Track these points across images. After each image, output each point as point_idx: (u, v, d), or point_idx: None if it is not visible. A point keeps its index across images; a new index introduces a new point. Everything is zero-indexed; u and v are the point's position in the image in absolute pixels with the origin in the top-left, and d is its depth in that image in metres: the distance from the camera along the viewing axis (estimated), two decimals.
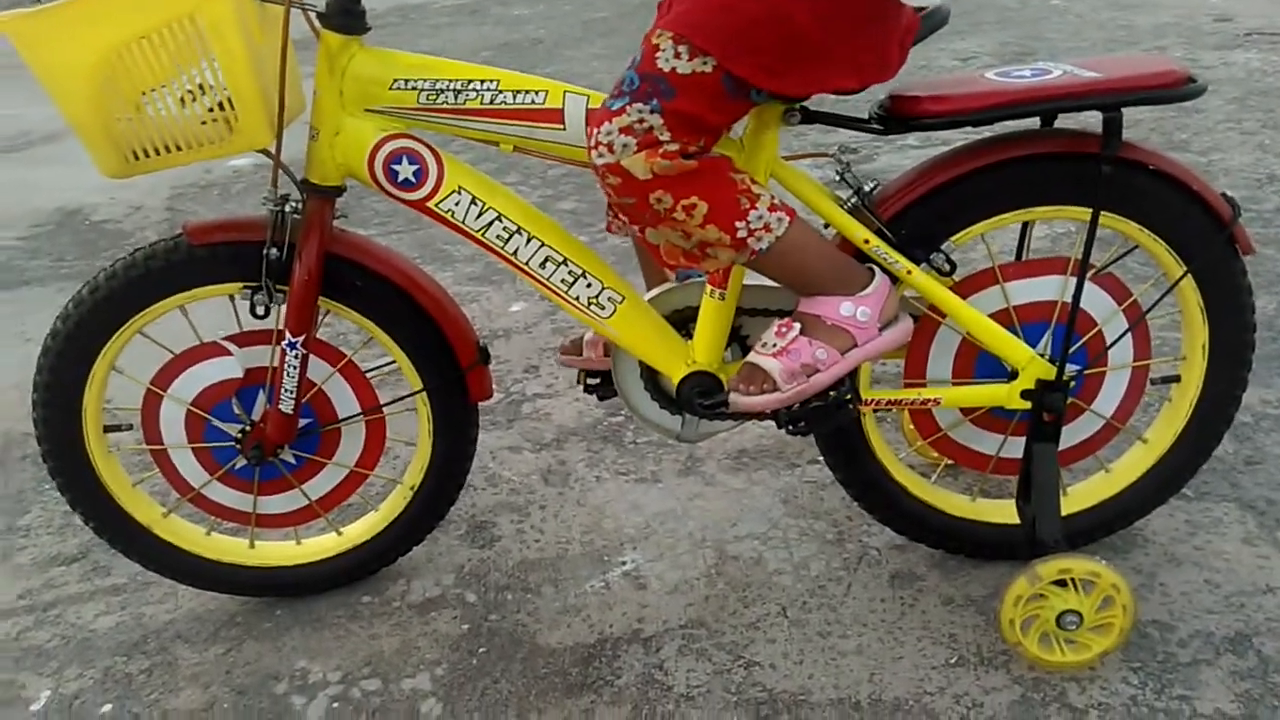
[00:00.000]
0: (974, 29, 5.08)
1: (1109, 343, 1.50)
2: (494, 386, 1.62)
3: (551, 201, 3.41)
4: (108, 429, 1.57)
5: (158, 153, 1.36)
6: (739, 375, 1.40)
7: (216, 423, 1.57)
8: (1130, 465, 1.62)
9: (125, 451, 1.68)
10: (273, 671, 1.57)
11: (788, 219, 1.29)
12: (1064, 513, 1.51)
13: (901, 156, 3.49)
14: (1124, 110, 1.34)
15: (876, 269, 1.39)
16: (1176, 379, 1.58)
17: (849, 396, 1.41)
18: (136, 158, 1.37)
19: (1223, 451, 1.88)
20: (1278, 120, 3.56)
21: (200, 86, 1.34)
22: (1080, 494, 1.62)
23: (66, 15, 1.27)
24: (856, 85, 1.27)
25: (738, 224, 1.27)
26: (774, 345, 1.37)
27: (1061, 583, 1.39)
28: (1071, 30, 4.97)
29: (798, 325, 1.37)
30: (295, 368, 1.49)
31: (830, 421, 1.42)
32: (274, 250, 1.44)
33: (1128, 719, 1.38)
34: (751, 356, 1.39)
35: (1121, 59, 1.40)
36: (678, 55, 1.21)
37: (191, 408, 1.55)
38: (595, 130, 1.24)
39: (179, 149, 1.37)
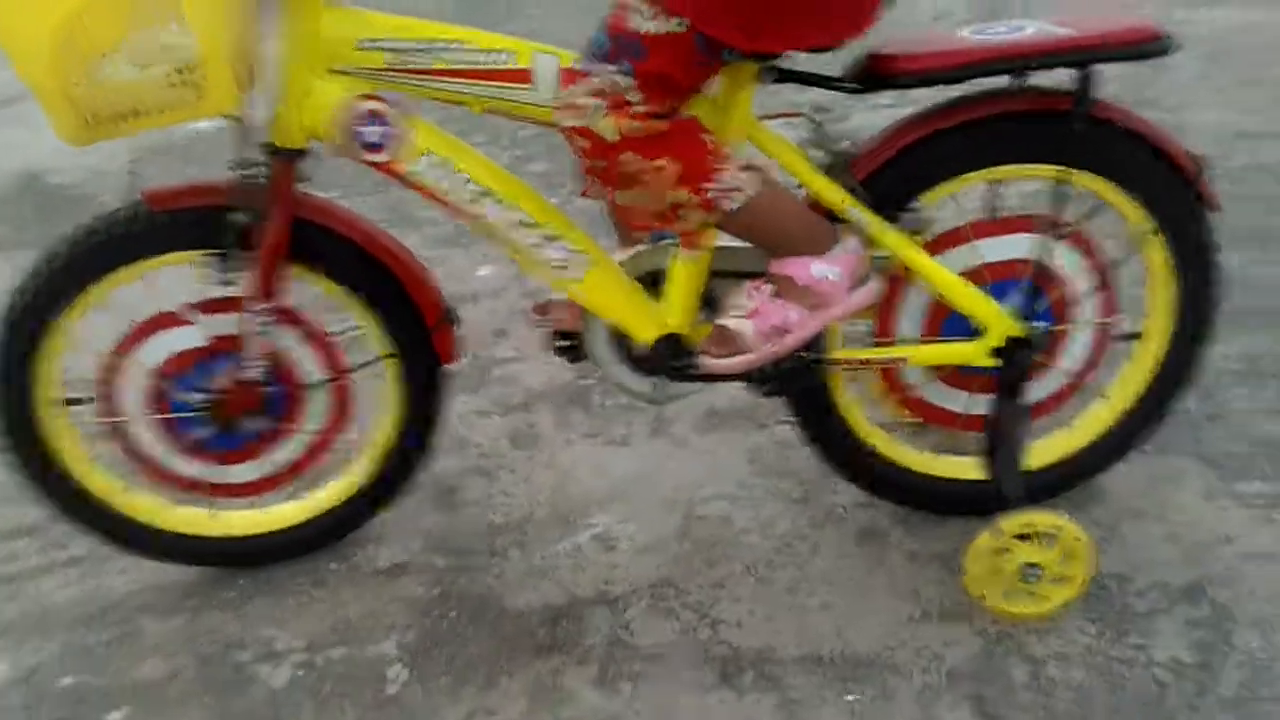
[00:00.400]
0: None
1: (1077, 300, 1.51)
2: (462, 350, 1.61)
3: (521, 163, 3.37)
4: (67, 402, 1.53)
5: (123, 119, 1.32)
6: (710, 338, 1.40)
7: (179, 393, 1.54)
8: (1092, 421, 1.63)
9: (81, 424, 1.64)
10: (237, 640, 1.56)
11: (758, 179, 1.28)
12: (1026, 468, 1.52)
13: (875, 115, 3.47)
14: (1096, 67, 1.34)
15: (847, 229, 1.38)
16: (1138, 336, 1.59)
17: (820, 356, 1.41)
18: (99, 123, 1.32)
19: (1184, 407, 1.90)
20: (1247, 77, 3.57)
21: (163, 48, 1.30)
22: (1043, 450, 1.64)
23: None
24: (830, 42, 1.26)
25: (707, 185, 1.26)
26: (745, 307, 1.36)
27: (1024, 536, 1.41)
28: None
29: (769, 287, 1.36)
30: (261, 333, 1.47)
31: (801, 381, 1.42)
32: (240, 215, 1.41)
33: (1085, 667, 1.41)
34: (722, 319, 1.39)
35: (1095, 17, 1.40)
36: (648, 15, 1.19)
37: (153, 378, 1.52)
38: (564, 92, 1.22)
39: (144, 114, 1.32)
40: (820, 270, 1.35)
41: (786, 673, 1.44)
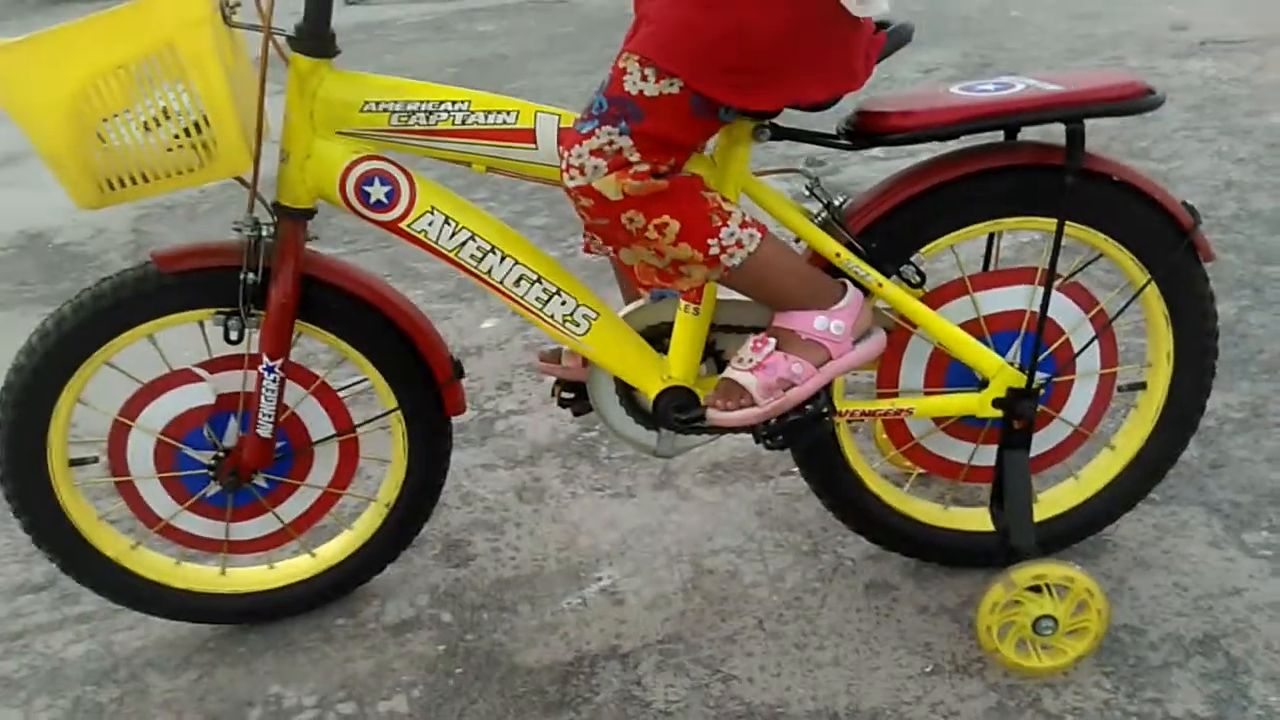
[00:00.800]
0: (935, 40, 5.15)
1: (1076, 350, 1.52)
2: (467, 404, 1.62)
3: (522, 217, 3.41)
4: (74, 463, 1.54)
5: (134, 181, 1.35)
6: (716, 391, 1.41)
7: (189, 451, 1.54)
8: (1099, 472, 1.64)
9: (88, 483, 1.65)
10: (246, 697, 1.55)
11: (759, 235, 1.30)
12: (1035, 519, 1.52)
13: (867, 169, 3.53)
14: (1086, 121, 1.37)
15: (849, 283, 1.40)
16: (1143, 386, 1.60)
17: (825, 410, 1.42)
18: (112, 188, 1.35)
19: (1188, 456, 1.90)
20: (1233, 127, 3.63)
21: (164, 111, 1.33)
22: (1050, 501, 1.64)
23: (42, 49, 1.25)
24: (824, 97, 1.28)
25: (710, 241, 1.28)
26: (750, 360, 1.38)
27: (1036, 588, 1.41)
28: (1031, 40, 5.05)
29: (773, 340, 1.38)
30: (273, 391, 1.48)
31: (807, 435, 1.43)
32: (250, 275, 1.43)
33: None
34: (728, 372, 1.40)
35: (1083, 73, 1.43)
36: (644, 78, 1.22)
37: (162, 436, 1.53)
38: (566, 153, 1.25)
39: (155, 177, 1.35)
40: (823, 323, 1.37)
41: None
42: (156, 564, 1.63)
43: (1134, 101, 1.36)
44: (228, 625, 1.69)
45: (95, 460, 1.59)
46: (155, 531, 1.60)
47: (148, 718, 1.53)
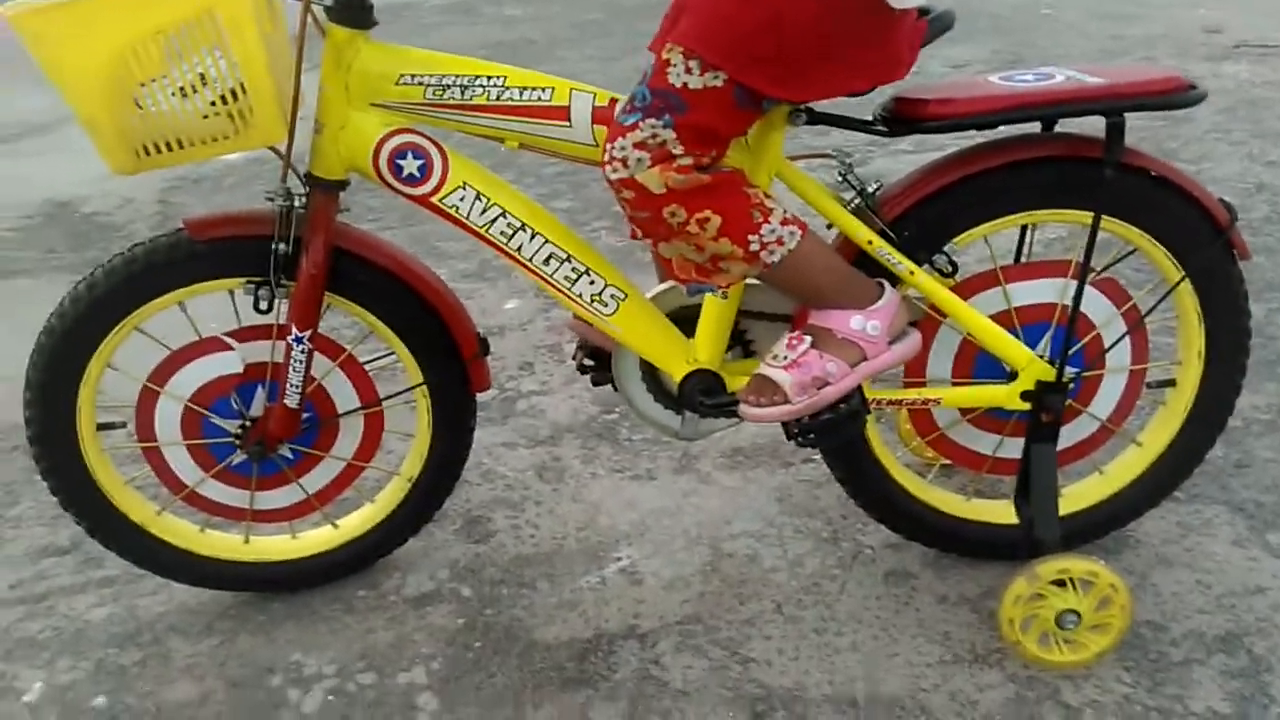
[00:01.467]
0: (966, 36, 5.11)
1: (1107, 346, 1.51)
2: (492, 381, 1.62)
3: (547, 200, 3.41)
4: (101, 427, 1.55)
5: (169, 148, 1.35)
6: (750, 386, 1.40)
7: (215, 419, 1.55)
8: (1125, 467, 1.63)
9: (115, 448, 1.66)
10: (267, 664, 1.56)
11: (800, 233, 1.30)
12: (1059, 513, 1.52)
13: (895, 160, 3.51)
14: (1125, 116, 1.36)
15: (886, 283, 1.40)
16: (1172, 383, 1.59)
17: (858, 409, 1.41)
18: (147, 153, 1.35)
19: (1213, 455, 1.89)
20: (1266, 130, 3.59)
21: (201, 78, 1.33)
22: (1075, 495, 1.64)
23: (83, 10, 1.24)
24: (868, 87, 1.28)
25: (751, 237, 1.27)
26: (785, 358, 1.37)
27: (1060, 582, 1.40)
28: (1062, 39, 5.01)
29: (808, 338, 1.37)
30: (301, 362, 1.48)
31: (840, 434, 1.42)
32: (281, 245, 1.43)
33: (1121, 716, 1.39)
34: (762, 368, 1.40)
35: (1123, 67, 1.42)
36: (689, 70, 1.21)
37: (189, 404, 1.54)
38: (609, 146, 1.24)
39: (190, 144, 1.35)
40: (859, 323, 1.37)
41: (818, 713, 1.43)
42: (181, 530, 1.64)
43: (1177, 96, 1.35)
44: (250, 593, 1.70)
45: (123, 425, 1.60)
46: (180, 498, 1.61)
47: (169, 681, 1.54)
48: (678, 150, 1.22)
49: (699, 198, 1.24)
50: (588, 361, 1.59)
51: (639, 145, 1.22)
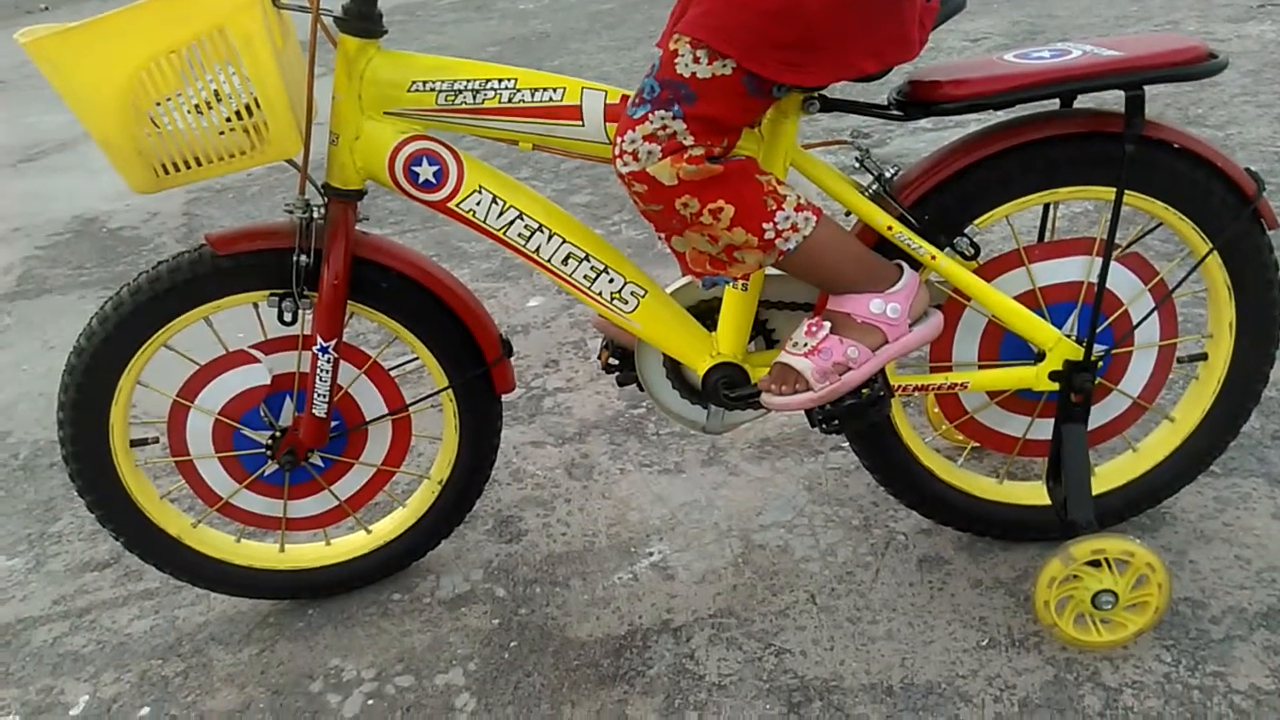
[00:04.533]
0: (984, 9, 5.05)
1: (1135, 322, 1.49)
2: (516, 382, 1.63)
3: (565, 195, 3.41)
4: (134, 443, 1.57)
5: (187, 165, 1.36)
6: (771, 375, 1.40)
7: (246, 431, 1.57)
8: (1158, 444, 1.61)
9: (150, 462, 1.68)
10: (307, 670, 1.58)
11: (814, 218, 1.29)
12: (1093, 493, 1.50)
13: (915, 140, 3.48)
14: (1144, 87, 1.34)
15: (905, 265, 1.38)
16: (1204, 357, 1.57)
17: (881, 393, 1.40)
18: (166, 172, 1.36)
19: (1249, 427, 1.87)
20: None
21: (216, 94, 1.34)
22: (1108, 474, 1.62)
23: (96, 34, 1.26)
24: (878, 68, 1.26)
25: (765, 225, 1.26)
26: (805, 345, 1.37)
27: (1095, 563, 1.39)
28: (1082, 7, 4.93)
29: (828, 324, 1.36)
30: (327, 372, 1.50)
31: (863, 419, 1.41)
32: (303, 257, 1.45)
33: (1162, 696, 1.38)
34: (783, 356, 1.39)
35: (1140, 38, 1.39)
36: (696, 60, 1.20)
37: (220, 417, 1.56)
38: (619, 139, 1.23)
39: (208, 161, 1.36)
40: (879, 306, 1.36)
41: (855, 702, 1.43)
42: (217, 541, 1.66)
43: (1196, 67, 1.32)
44: (287, 601, 1.72)
45: (156, 440, 1.62)
46: (215, 510, 1.63)
47: (211, 691, 1.56)
48: (688, 141, 1.22)
49: (711, 188, 1.24)
50: (613, 361, 1.59)
51: (649, 138, 1.22)
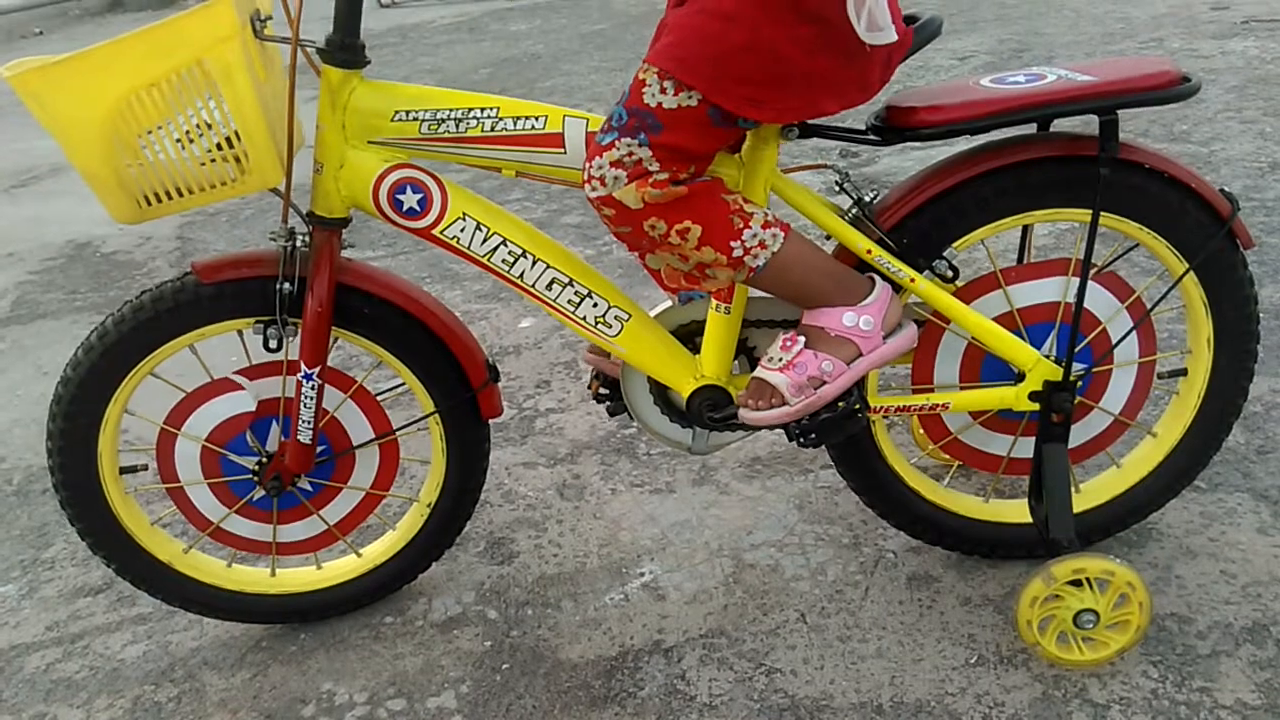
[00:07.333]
0: (971, 27, 5.09)
1: (1114, 340, 1.51)
2: (506, 403, 1.64)
3: (557, 216, 3.44)
4: (123, 470, 1.58)
5: (170, 196, 1.38)
6: (748, 390, 1.41)
7: (233, 457, 1.58)
8: (1142, 459, 1.63)
9: (141, 489, 1.69)
10: (299, 695, 1.59)
11: (782, 235, 1.31)
12: (1076, 510, 1.51)
13: (903, 159, 3.51)
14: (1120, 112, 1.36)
15: (877, 278, 1.40)
16: (1184, 372, 1.58)
17: (858, 406, 1.42)
18: (149, 203, 1.38)
19: (1234, 442, 1.89)
20: (1278, 108, 3.55)
21: (199, 126, 1.35)
22: (1092, 490, 1.63)
23: (77, 68, 1.27)
24: (837, 109, 1.28)
25: (733, 243, 1.28)
26: (780, 359, 1.38)
27: (1077, 582, 1.40)
28: (1068, 25, 4.98)
29: (802, 338, 1.38)
30: (312, 398, 1.51)
31: (841, 432, 1.43)
32: (286, 284, 1.46)
33: (1149, 712, 1.39)
34: (758, 371, 1.41)
35: (1116, 61, 1.41)
36: (664, 90, 1.23)
37: (206, 444, 1.57)
38: (588, 165, 1.26)
39: (191, 191, 1.38)
40: (852, 319, 1.37)
41: None
42: (209, 567, 1.67)
43: (1169, 90, 1.34)
44: (279, 625, 1.73)
45: (145, 467, 1.63)
46: (206, 534, 1.64)
47: (204, 716, 1.57)
48: (654, 167, 1.24)
49: (677, 209, 1.26)
50: (604, 391, 1.61)
51: (615, 164, 1.24)
